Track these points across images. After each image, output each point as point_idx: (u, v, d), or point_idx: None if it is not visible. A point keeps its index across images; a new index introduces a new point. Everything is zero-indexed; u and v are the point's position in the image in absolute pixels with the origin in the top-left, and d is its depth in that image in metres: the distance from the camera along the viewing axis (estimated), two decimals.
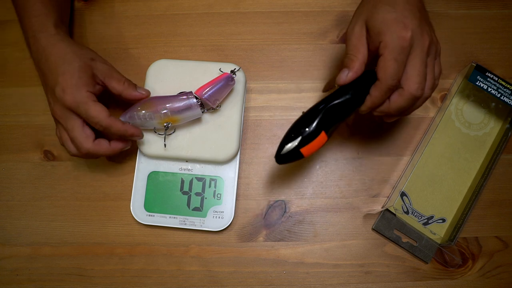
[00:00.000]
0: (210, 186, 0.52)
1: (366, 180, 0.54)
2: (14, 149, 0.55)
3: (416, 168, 0.52)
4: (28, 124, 0.56)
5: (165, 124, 0.49)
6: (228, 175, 0.52)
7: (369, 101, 0.42)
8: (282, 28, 0.57)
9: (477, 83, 0.52)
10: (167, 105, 0.48)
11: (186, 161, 0.52)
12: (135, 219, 0.52)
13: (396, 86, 0.41)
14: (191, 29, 0.58)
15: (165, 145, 0.50)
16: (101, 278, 0.52)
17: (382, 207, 0.53)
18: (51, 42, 0.47)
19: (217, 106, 0.50)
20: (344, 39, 0.44)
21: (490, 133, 0.54)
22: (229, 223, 0.52)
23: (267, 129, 0.55)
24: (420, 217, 0.52)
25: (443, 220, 0.52)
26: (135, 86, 0.49)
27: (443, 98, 0.56)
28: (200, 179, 0.52)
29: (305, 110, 0.44)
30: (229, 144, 0.51)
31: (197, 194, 0.52)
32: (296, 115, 0.55)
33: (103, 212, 0.53)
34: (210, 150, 0.51)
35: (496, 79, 0.52)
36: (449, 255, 0.52)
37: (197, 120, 0.51)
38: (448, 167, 0.53)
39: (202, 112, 0.49)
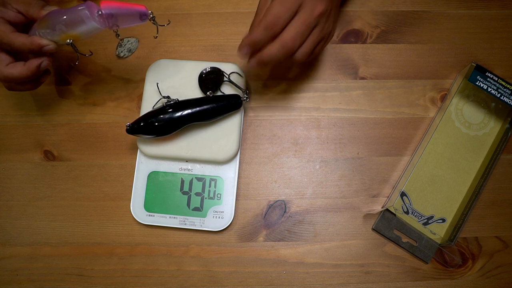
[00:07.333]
0: (210, 186, 0.52)
1: (366, 180, 0.54)
2: (14, 149, 0.55)
3: (416, 168, 0.52)
4: (28, 124, 0.56)
5: (67, 40, 0.45)
6: (228, 175, 0.52)
7: (248, 36, 0.43)
8: None
9: (477, 83, 0.52)
10: (61, 20, 0.44)
11: (186, 161, 0.52)
12: (135, 219, 0.52)
13: (274, 31, 0.42)
14: (191, 29, 0.58)
15: (75, 63, 0.48)
16: (101, 278, 0.52)
17: (382, 207, 0.53)
18: None
19: (115, 32, 0.46)
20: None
21: (490, 133, 0.54)
22: (229, 223, 0.52)
23: (267, 129, 0.55)
24: (420, 217, 0.52)
25: (443, 220, 0.52)
26: (42, 5, 0.47)
27: (443, 98, 0.56)
28: (200, 179, 0.52)
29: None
30: (229, 144, 0.51)
31: (197, 194, 0.52)
32: (296, 114, 0.56)
33: (103, 212, 0.53)
34: (210, 150, 0.51)
35: (496, 79, 0.52)
36: (449, 255, 0.52)
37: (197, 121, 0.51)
38: (448, 167, 0.53)
39: (103, 27, 0.45)
